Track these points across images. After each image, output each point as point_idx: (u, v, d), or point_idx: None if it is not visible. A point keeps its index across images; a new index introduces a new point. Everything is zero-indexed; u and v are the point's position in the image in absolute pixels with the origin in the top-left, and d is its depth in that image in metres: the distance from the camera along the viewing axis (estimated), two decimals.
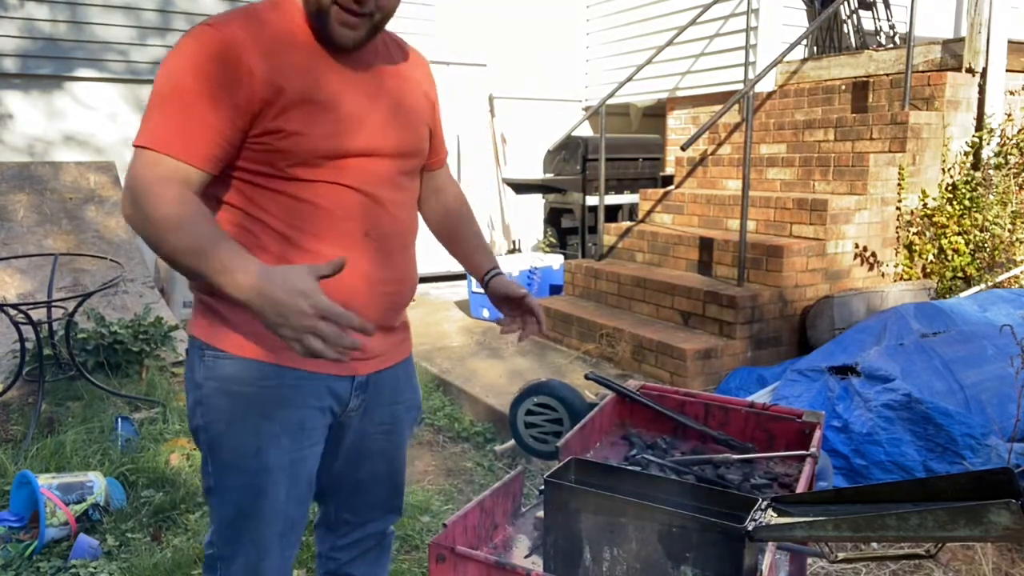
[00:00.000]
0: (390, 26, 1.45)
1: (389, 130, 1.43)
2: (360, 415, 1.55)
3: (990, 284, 4.33)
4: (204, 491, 1.50)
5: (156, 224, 1.23)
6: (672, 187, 5.69)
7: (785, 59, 4.78)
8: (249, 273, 1.17)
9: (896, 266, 4.61)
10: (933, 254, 4.59)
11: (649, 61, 5.54)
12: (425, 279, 6.35)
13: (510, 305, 1.71)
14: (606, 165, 5.55)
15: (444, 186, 1.77)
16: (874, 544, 2.09)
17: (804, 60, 5.85)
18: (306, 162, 1.33)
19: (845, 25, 6.40)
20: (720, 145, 5.55)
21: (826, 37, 6.45)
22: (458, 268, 6.86)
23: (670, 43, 5.70)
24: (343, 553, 1.71)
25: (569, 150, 6.41)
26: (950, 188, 4.71)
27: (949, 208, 4.60)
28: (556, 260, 5.84)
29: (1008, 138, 4.81)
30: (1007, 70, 4.86)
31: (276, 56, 1.31)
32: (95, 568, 2.48)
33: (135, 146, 1.29)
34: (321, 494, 1.65)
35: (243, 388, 1.39)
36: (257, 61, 1.29)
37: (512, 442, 3.45)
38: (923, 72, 4.90)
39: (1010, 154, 4.76)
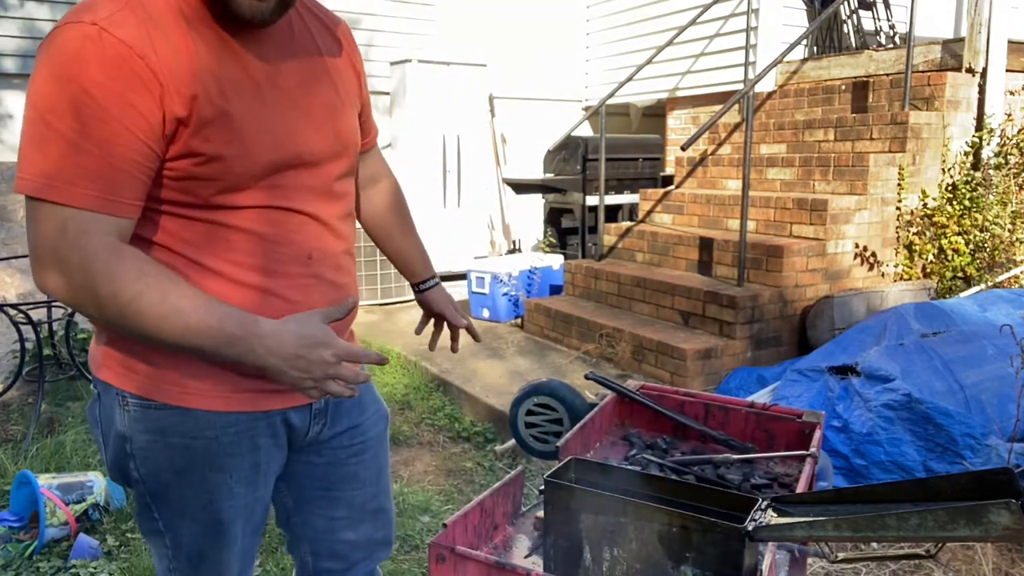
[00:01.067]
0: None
1: (318, 129, 1.21)
2: (323, 444, 1.38)
3: (990, 284, 4.33)
4: (147, 532, 1.31)
5: (128, 309, 1.03)
6: (672, 187, 5.69)
7: (785, 59, 4.78)
8: (263, 336, 1.07)
9: (896, 266, 4.61)
10: (933, 254, 4.59)
11: (649, 61, 5.54)
12: None
13: (438, 321, 1.68)
14: (606, 165, 5.55)
15: (377, 173, 1.58)
16: (874, 544, 2.09)
17: (804, 60, 5.85)
18: (231, 187, 1.12)
19: (845, 25, 6.40)
20: (720, 145, 5.54)
21: (826, 37, 6.45)
22: (459, 268, 6.78)
23: (670, 43, 5.70)
24: None
25: (569, 150, 6.41)
26: (950, 188, 4.71)
27: (949, 208, 4.61)
28: (556, 260, 5.84)
29: (1008, 138, 4.81)
30: (1007, 70, 4.86)
31: (180, 55, 1.05)
32: (95, 568, 2.48)
33: (38, 199, 1.01)
34: (295, 544, 1.47)
35: (184, 440, 1.20)
36: (164, 65, 1.03)
37: (512, 442, 3.45)
38: (923, 72, 4.90)
39: (1010, 154, 4.76)
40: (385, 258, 5.74)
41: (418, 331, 1.74)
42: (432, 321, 1.71)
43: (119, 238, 1.06)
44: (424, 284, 1.66)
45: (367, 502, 1.46)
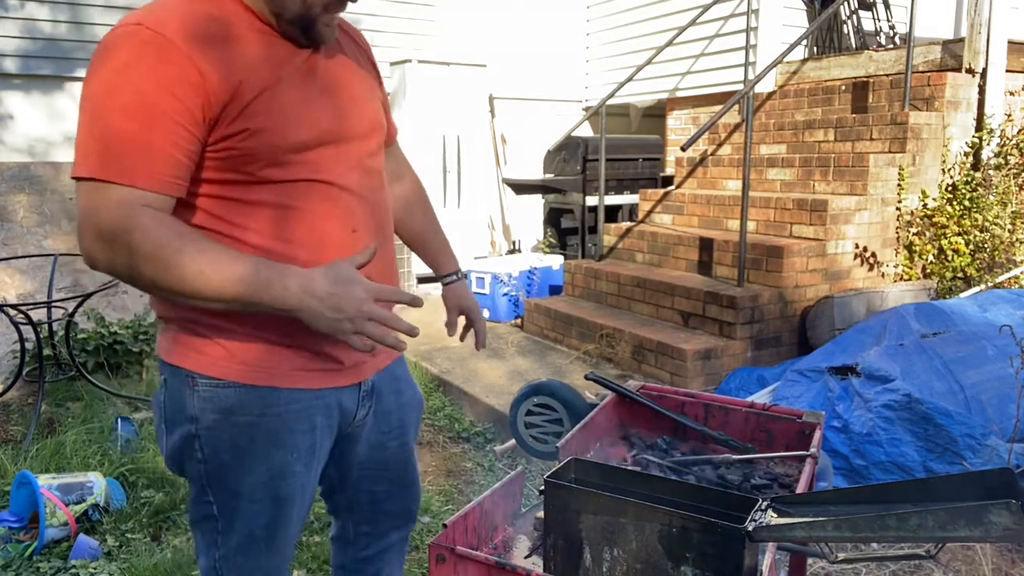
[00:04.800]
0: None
1: (349, 112, 1.33)
2: (371, 425, 1.48)
3: (990, 284, 4.33)
4: (198, 519, 1.37)
5: (169, 266, 1.12)
6: (672, 187, 5.69)
7: (785, 59, 4.78)
8: (295, 277, 1.15)
9: (896, 266, 4.62)
10: (933, 254, 4.59)
11: (649, 61, 5.54)
12: (425, 279, 6.34)
13: (459, 313, 1.75)
14: (606, 165, 5.55)
15: (400, 170, 1.68)
16: (874, 544, 2.09)
17: (804, 60, 5.85)
18: (275, 161, 1.22)
19: (845, 25, 6.40)
20: (720, 145, 5.54)
21: (826, 37, 6.45)
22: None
23: (670, 43, 5.70)
24: (367, 565, 1.66)
25: (569, 150, 6.41)
26: (950, 188, 4.71)
27: (949, 208, 4.61)
28: (556, 260, 5.84)
29: (1008, 138, 4.81)
30: (1007, 70, 4.86)
31: (223, 49, 1.18)
32: (95, 568, 2.48)
33: (82, 178, 1.14)
34: (337, 511, 1.62)
35: (249, 418, 1.29)
36: (207, 58, 1.16)
37: (512, 442, 3.44)
38: (923, 72, 4.90)
39: (1010, 154, 4.76)
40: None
41: (450, 332, 1.78)
42: (462, 318, 1.77)
43: (163, 211, 1.16)
44: (448, 277, 1.74)
45: (404, 477, 1.60)
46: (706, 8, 5.84)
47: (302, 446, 1.33)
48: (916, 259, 4.62)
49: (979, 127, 4.81)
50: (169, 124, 1.13)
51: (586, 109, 7.82)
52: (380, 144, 1.42)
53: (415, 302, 1.23)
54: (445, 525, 1.18)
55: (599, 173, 5.48)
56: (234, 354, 1.27)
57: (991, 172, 4.72)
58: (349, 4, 1.27)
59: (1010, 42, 4.84)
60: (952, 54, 4.89)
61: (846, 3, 6.28)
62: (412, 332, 1.20)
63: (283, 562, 1.42)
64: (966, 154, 4.77)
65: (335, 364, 1.33)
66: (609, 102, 5.48)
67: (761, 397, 3.31)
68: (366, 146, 1.36)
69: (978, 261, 4.53)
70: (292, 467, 1.33)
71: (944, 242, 4.54)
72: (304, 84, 1.27)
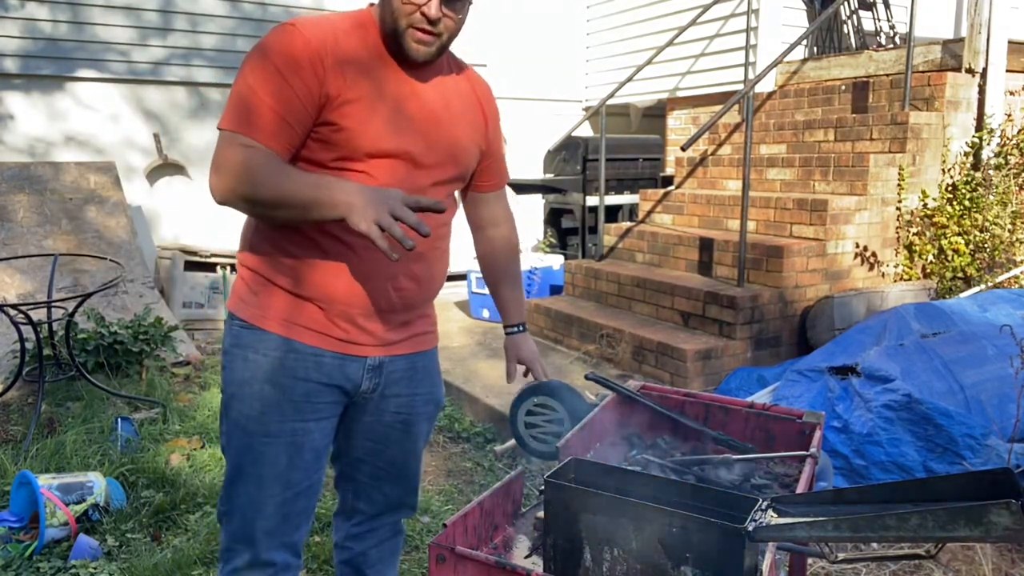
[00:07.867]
0: None
1: (432, 141, 1.50)
2: (377, 400, 1.62)
3: (990, 284, 4.33)
4: (222, 450, 1.60)
5: (243, 170, 1.35)
6: (672, 187, 5.69)
7: (785, 59, 4.78)
8: (348, 182, 1.36)
9: (896, 266, 4.61)
10: (933, 254, 4.59)
11: (649, 61, 5.54)
12: None
13: (518, 362, 1.83)
14: (606, 165, 5.55)
15: (498, 218, 1.81)
16: (874, 544, 2.09)
17: (804, 60, 5.85)
18: (348, 156, 1.43)
19: (845, 25, 6.40)
20: (720, 145, 5.54)
21: (826, 37, 6.45)
22: (458, 268, 6.80)
23: (670, 43, 5.70)
24: (356, 543, 1.78)
25: (569, 150, 6.41)
26: (950, 188, 4.71)
27: (949, 208, 4.61)
28: (556, 260, 5.83)
29: (1008, 138, 4.81)
30: (1007, 70, 4.86)
31: (347, 58, 1.43)
32: (95, 568, 2.48)
33: (219, 128, 1.44)
34: (339, 479, 1.76)
35: (256, 356, 1.50)
36: (330, 61, 1.40)
37: (512, 442, 3.44)
38: (923, 72, 4.90)
39: (1010, 154, 4.76)
40: None
41: (509, 379, 1.87)
42: (520, 367, 1.86)
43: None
44: (510, 328, 1.86)
45: (405, 464, 1.72)
46: (706, 8, 5.84)
47: (295, 390, 1.50)
48: (916, 259, 4.62)
49: (979, 127, 4.80)
50: (295, 102, 1.38)
51: (586, 109, 7.82)
52: (452, 178, 1.58)
53: (437, 206, 1.37)
54: (445, 525, 1.18)
55: (599, 173, 5.48)
56: (259, 303, 1.51)
57: (991, 172, 4.72)
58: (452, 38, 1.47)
59: (1010, 42, 4.84)
60: (952, 54, 4.88)
61: (846, 3, 6.28)
62: (421, 230, 1.31)
63: (274, 509, 1.53)
64: (966, 154, 4.77)
65: (339, 331, 1.51)
66: (609, 102, 5.48)
67: (761, 397, 3.31)
68: (435, 174, 1.52)
69: (978, 261, 4.53)
70: (281, 406, 1.50)
71: (944, 242, 4.54)
72: (399, 107, 1.47)
